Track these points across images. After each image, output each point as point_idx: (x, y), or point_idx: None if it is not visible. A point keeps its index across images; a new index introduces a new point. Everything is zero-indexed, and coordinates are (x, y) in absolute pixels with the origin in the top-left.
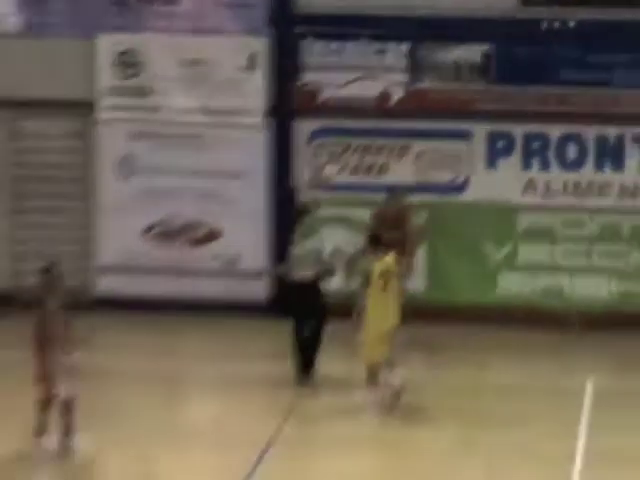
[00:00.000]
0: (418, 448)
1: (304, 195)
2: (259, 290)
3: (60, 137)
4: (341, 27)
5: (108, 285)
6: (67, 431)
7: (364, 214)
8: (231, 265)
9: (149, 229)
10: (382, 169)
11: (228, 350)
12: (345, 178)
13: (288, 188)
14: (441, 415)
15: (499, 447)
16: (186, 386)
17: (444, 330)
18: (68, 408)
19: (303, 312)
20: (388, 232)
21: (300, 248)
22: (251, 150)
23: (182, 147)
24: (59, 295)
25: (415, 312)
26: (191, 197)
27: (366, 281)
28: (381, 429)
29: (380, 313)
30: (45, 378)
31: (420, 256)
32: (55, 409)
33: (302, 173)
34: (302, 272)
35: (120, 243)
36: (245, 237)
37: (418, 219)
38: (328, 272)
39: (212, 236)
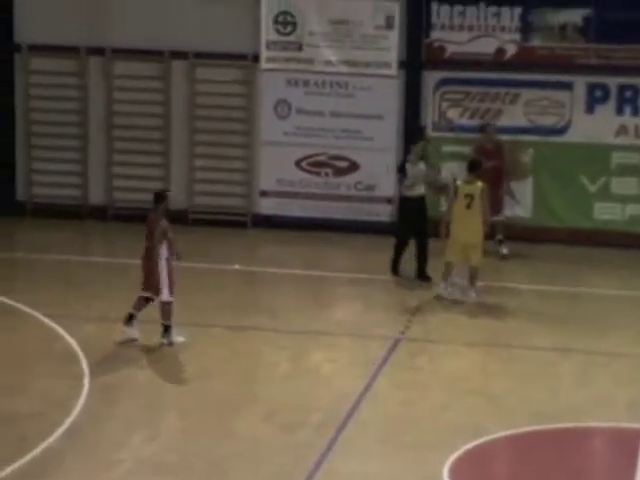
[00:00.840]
0: (520, 353)
1: (429, 134)
2: (388, 213)
3: (229, 83)
4: None
5: (267, 207)
6: (166, 329)
7: None
8: (368, 192)
9: (301, 161)
10: (496, 114)
11: (361, 261)
12: (464, 121)
13: (417, 127)
14: (542, 320)
15: (594, 352)
16: (328, 289)
17: (546, 249)
18: (168, 309)
19: (410, 223)
20: (486, 161)
21: (414, 168)
22: (386, 96)
23: (329, 93)
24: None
25: (523, 234)
26: (336, 134)
27: (454, 198)
28: (483, 333)
29: (461, 226)
30: (153, 280)
31: (528, 187)
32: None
33: (429, 116)
34: (414, 189)
35: (277, 172)
36: (380, 169)
37: (525, 156)
38: (442, 189)
39: (353, 167)
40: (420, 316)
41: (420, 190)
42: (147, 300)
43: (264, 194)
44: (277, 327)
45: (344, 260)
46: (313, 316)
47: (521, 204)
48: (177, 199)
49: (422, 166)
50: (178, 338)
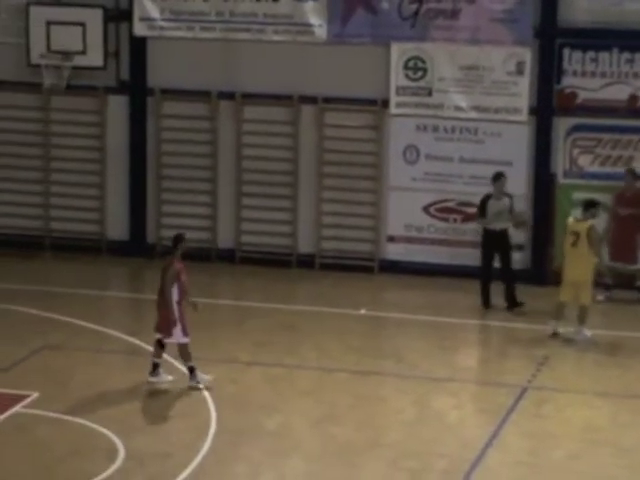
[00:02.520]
0: None
1: (560, 181)
2: (521, 260)
3: (357, 128)
4: (596, 39)
5: (394, 252)
6: (191, 371)
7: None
8: None
9: (429, 206)
10: (628, 161)
11: (489, 308)
12: (596, 168)
13: (548, 175)
14: None
15: None
16: (455, 335)
17: None
18: (185, 350)
19: (493, 255)
20: (624, 209)
21: (496, 205)
22: (516, 142)
23: (458, 139)
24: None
25: None
26: (464, 180)
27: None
28: (613, 382)
29: (569, 264)
30: (164, 322)
31: None
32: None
33: (559, 162)
34: (498, 223)
35: (404, 218)
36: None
37: None
38: (523, 223)
39: (519, 224)
40: (548, 364)
41: (503, 224)
42: (161, 344)
43: (391, 239)
44: (402, 372)
45: (471, 306)
46: (439, 362)
47: None
48: (305, 243)
49: (506, 201)
50: (204, 376)
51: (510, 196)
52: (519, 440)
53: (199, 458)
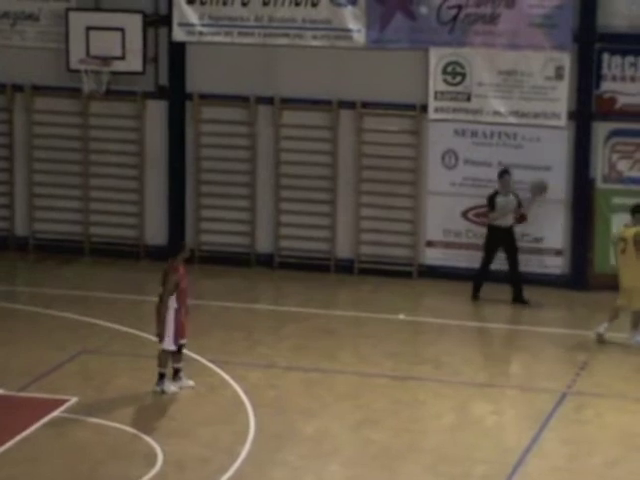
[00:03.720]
0: None
1: (599, 186)
2: (558, 265)
3: (396, 133)
4: (635, 44)
5: (432, 257)
6: (161, 377)
7: None
8: (536, 243)
9: (468, 211)
10: None
11: (528, 313)
12: (635, 173)
13: (587, 180)
14: None
15: None
16: (494, 341)
17: None
18: (165, 357)
19: (497, 250)
20: None
21: (504, 201)
22: (555, 147)
23: (497, 144)
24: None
25: None
26: None
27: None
28: None
29: (621, 270)
30: (160, 328)
31: None
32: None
33: (598, 167)
34: (504, 220)
35: (443, 223)
36: (549, 220)
37: None
38: (541, 189)
39: (521, 218)
40: (588, 369)
41: (509, 221)
42: (178, 350)
43: (430, 244)
44: (441, 378)
45: (510, 312)
46: (478, 367)
47: None
48: (343, 248)
49: (512, 198)
50: (170, 387)
51: (516, 193)
52: (558, 446)
53: (238, 463)
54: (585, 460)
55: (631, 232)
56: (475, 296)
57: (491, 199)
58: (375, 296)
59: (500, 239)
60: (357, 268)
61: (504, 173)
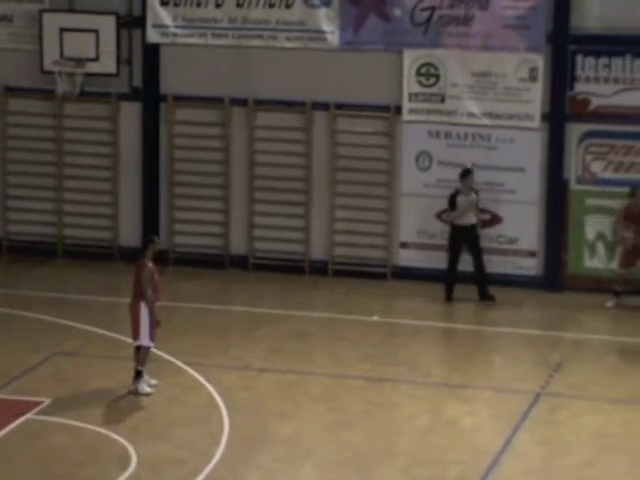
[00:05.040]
0: None
1: (572, 188)
2: (533, 266)
3: (370, 135)
4: (608, 45)
5: (406, 259)
6: (137, 374)
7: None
8: (510, 245)
9: (442, 212)
10: None
11: (502, 314)
12: (609, 174)
13: (561, 181)
14: None
15: None
16: (468, 342)
17: None
18: (144, 355)
19: (461, 251)
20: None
21: (465, 200)
22: (529, 148)
23: (471, 145)
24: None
25: None
26: (477, 187)
27: None
28: (627, 389)
29: None
30: (134, 324)
31: None
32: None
33: (572, 169)
34: (467, 218)
35: (417, 224)
36: (523, 222)
37: None
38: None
39: (494, 220)
40: (562, 370)
41: (471, 219)
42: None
43: (404, 246)
44: (415, 379)
45: (484, 313)
46: (452, 369)
47: None
48: (318, 250)
49: (474, 196)
50: (146, 389)
51: (477, 191)
52: (532, 447)
53: (212, 465)
54: (559, 461)
55: None
56: (449, 297)
57: (452, 198)
58: (349, 298)
59: (463, 238)
60: (331, 270)
61: (468, 172)
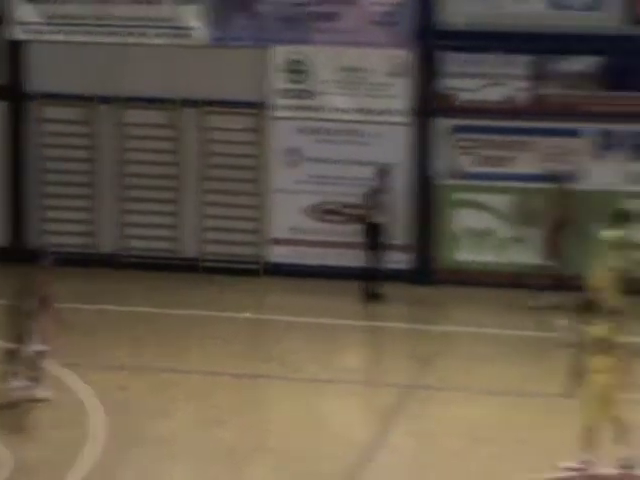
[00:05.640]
0: (531, 401)
1: (440, 182)
2: (404, 260)
3: (239, 131)
4: (475, 41)
5: (278, 255)
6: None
7: (492, 199)
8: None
9: (312, 209)
10: (508, 161)
11: (375, 309)
12: (476, 168)
13: (429, 176)
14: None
15: None
16: (340, 338)
17: None
18: (39, 359)
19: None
20: None
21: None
22: (397, 144)
23: (340, 141)
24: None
25: None
26: (346, 183)
27: None
28: (497, 380)
29: None
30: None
31: None
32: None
33: (440, 163)
34: (380, 215)
35: (288, 220)
36: (394, 217)
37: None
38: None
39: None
40: (432, 363)
41: (384, 216)
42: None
43: (276, 242)
44: (287, 375)
45: (355, 308)
46: (324, 364)
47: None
48: (188, 247)
49: (391, 195)
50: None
51: (391, 188)
52: (404, 440)
53: (88, 466)
54: (431, 453)
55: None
56: (375, 295)
57: (372, 196)
58: (221, 295)
59: (376, 235)
60: (202, 267)
61: (385, 172)
